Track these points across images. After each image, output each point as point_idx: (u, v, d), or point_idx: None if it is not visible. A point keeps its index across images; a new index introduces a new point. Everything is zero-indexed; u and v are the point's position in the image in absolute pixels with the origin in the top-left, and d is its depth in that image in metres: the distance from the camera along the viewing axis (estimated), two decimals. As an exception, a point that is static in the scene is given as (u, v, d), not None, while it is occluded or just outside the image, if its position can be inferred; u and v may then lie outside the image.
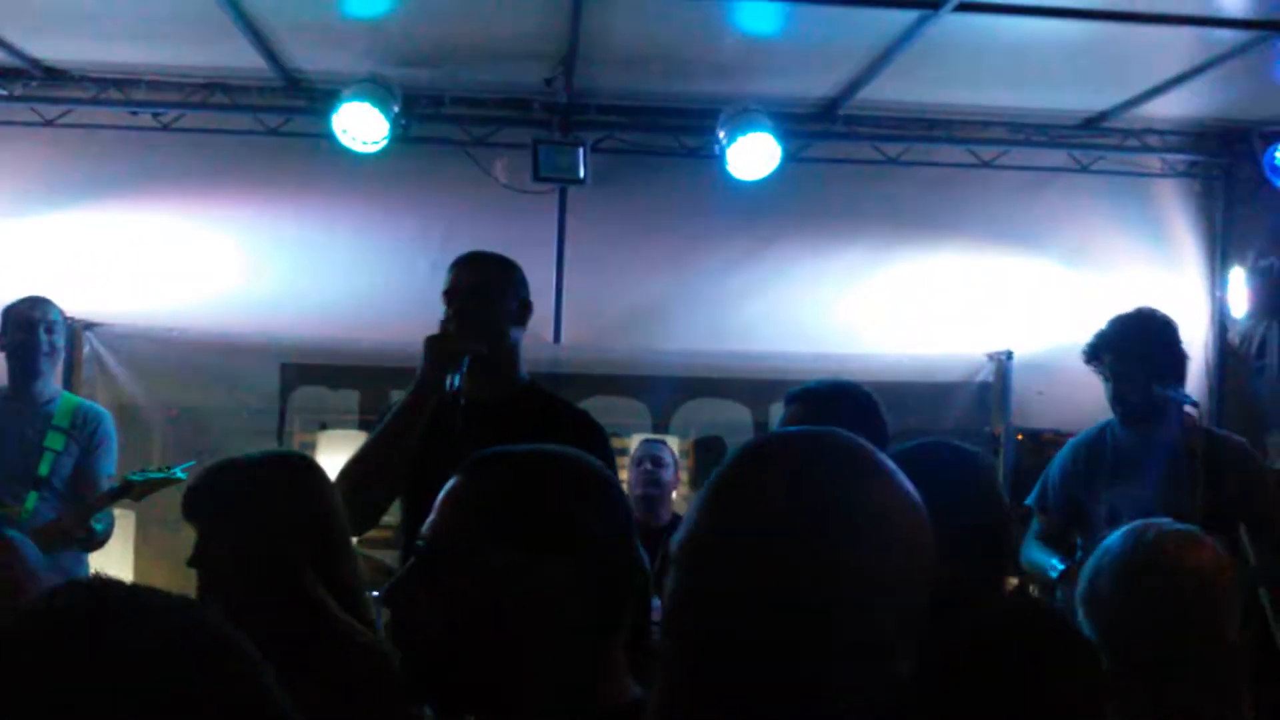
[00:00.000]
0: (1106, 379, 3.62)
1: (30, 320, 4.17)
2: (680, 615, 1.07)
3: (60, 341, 4.33)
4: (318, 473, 2.22)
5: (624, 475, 5.06)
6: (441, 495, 1.38)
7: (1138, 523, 2.15)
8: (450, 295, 2.85)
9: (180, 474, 4.02)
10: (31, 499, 4.06)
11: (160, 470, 4.02)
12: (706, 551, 1.07)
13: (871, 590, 1.02)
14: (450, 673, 1.31)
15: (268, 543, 2.04)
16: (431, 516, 1.36)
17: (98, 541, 4.14)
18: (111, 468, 4.28)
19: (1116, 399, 3.60)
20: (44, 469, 4.11)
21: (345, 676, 1.96)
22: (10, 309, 4.24)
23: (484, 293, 2.84)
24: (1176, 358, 3.59)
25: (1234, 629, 2.02)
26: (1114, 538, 2.11)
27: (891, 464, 1.11)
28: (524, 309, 2.92)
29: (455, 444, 2.56)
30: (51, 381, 4.30)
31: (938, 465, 1.92)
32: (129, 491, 4.01)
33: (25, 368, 4.19)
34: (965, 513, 1.82)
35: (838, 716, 1.01)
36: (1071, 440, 3.91)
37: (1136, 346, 3.55)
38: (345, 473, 2.69)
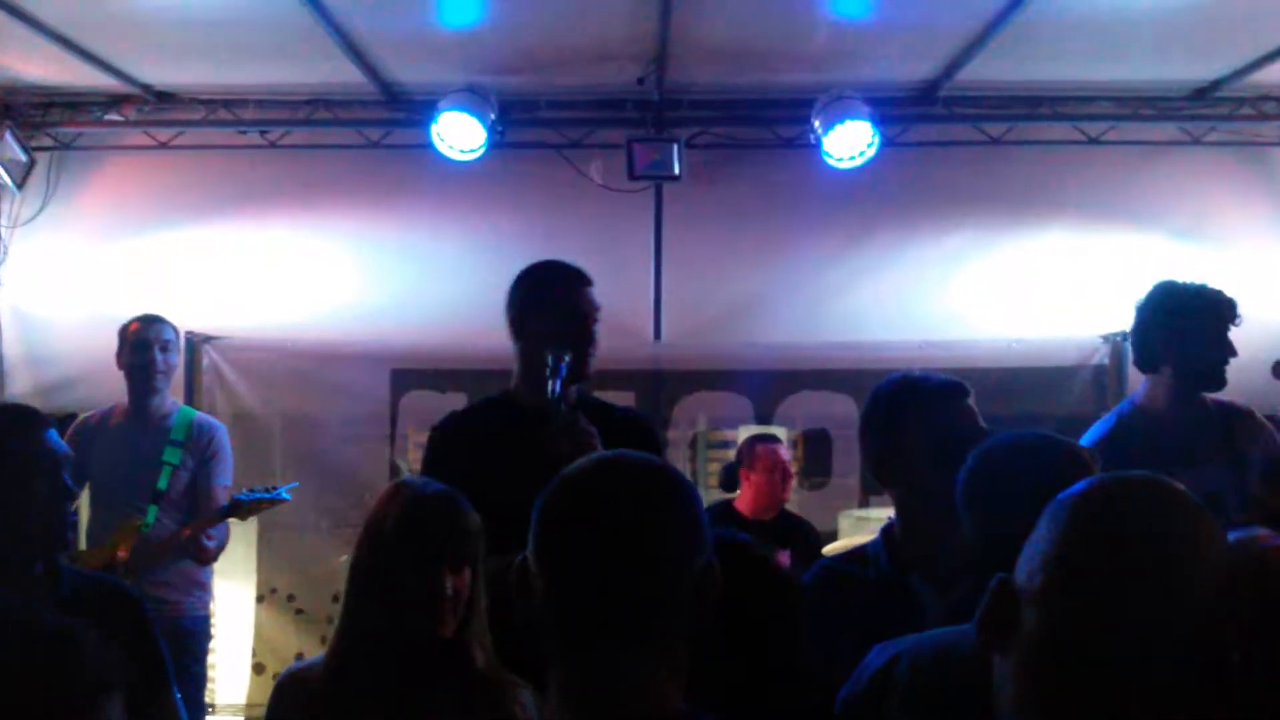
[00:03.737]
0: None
1: (145, 341, 4.32)
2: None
3: (175, 359, 4.47)
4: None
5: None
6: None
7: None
8: (583, 318, 2.81)
9: (285, 494, 4.14)
10: (152, 512, 4.21)
11: (266, 490, 4.15)
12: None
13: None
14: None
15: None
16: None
17: (211, 555, 4.28)
18: (227, 478, 4.41)
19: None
20: (162, 483, 4.24)
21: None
22: (126, 329, 4.39)
23: (596, 312, 2.85)
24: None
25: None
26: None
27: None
28: None
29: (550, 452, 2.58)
30: (168, 397, 4.44)
31: (1030, 459, 1.85)
32: (236, 511, 4.13)
33: (142, 386, 4.34)
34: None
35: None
36: (1095, 427, 3.71)
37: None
38: None
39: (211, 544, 4.23)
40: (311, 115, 5.55)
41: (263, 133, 5.63)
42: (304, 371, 5.49)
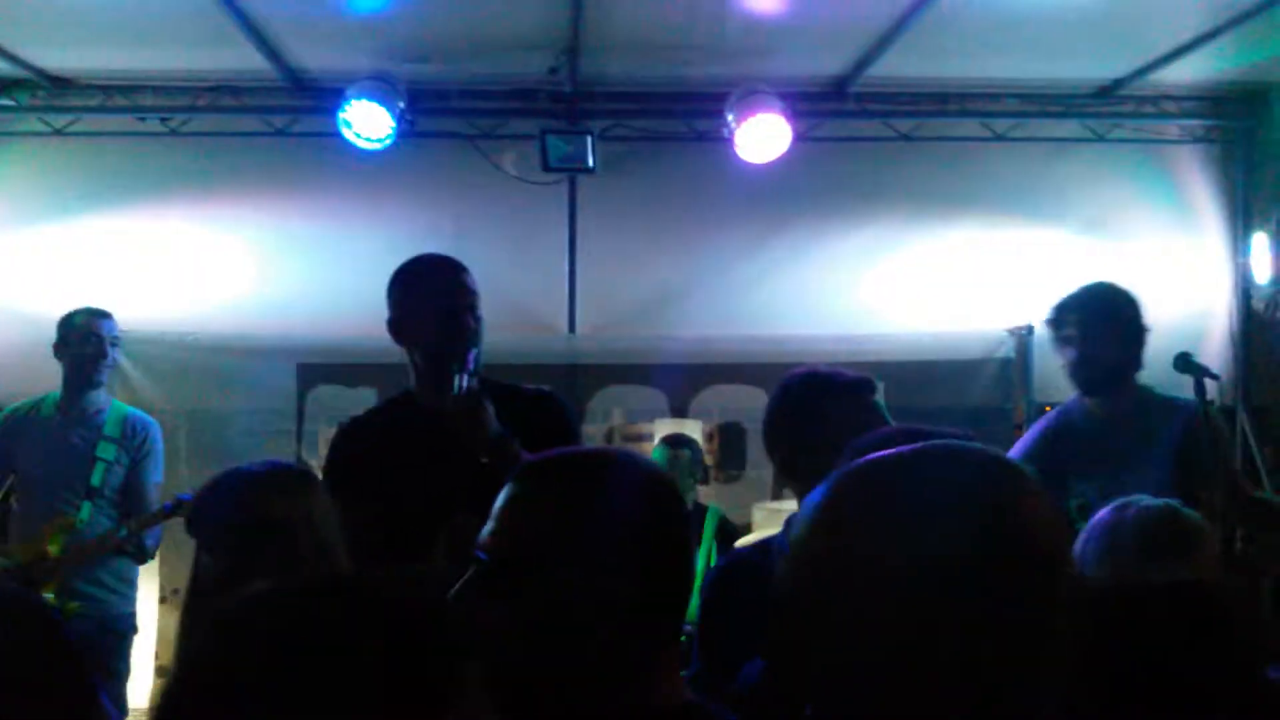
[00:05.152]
0: (1069, 343, 3.50)
1: (96, 334, 4.31)
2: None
3: (119, 356, 4.50)
4: (311, 480, 2.22)
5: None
6: (500, 505, 1.39)
7: (1117, 501, 2.17)
8: (459, 312, 2.72)
9: None
10: (86, 509, 4.20)
11: None
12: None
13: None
14: (521, 677, 1.32)
15: (263, 555, 2.03)
16: (491, 526, 1.38)
17: (151, 554, 4.31)
18: (159, 475, 4.42)
19: (1083, 363, 3.48)
20: (96, 479, 4.23)
21: None
22: (72, 321, 4.35)
23: (477, 302, 2.79)
24: (1144, 329, 3.49)
25: None
26: (1099, 519, 2.14)
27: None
28: None
29: (470, 450, 2.54)
30: (103, 392, 4.43)
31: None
32: (179, 510, 4.12)
33: (85, 379, 4.32)
34: None
35: None
36: (1032, 429, 3.74)
37: (1114, 309, 3.46)
38: None
39: (151, 542, 4.26)
40: (214, 102, 5.41)
41: (163, 119, 5.45)
42: (207, 366, 5.35)
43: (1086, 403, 3.53)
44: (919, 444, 1.13)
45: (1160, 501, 2.20)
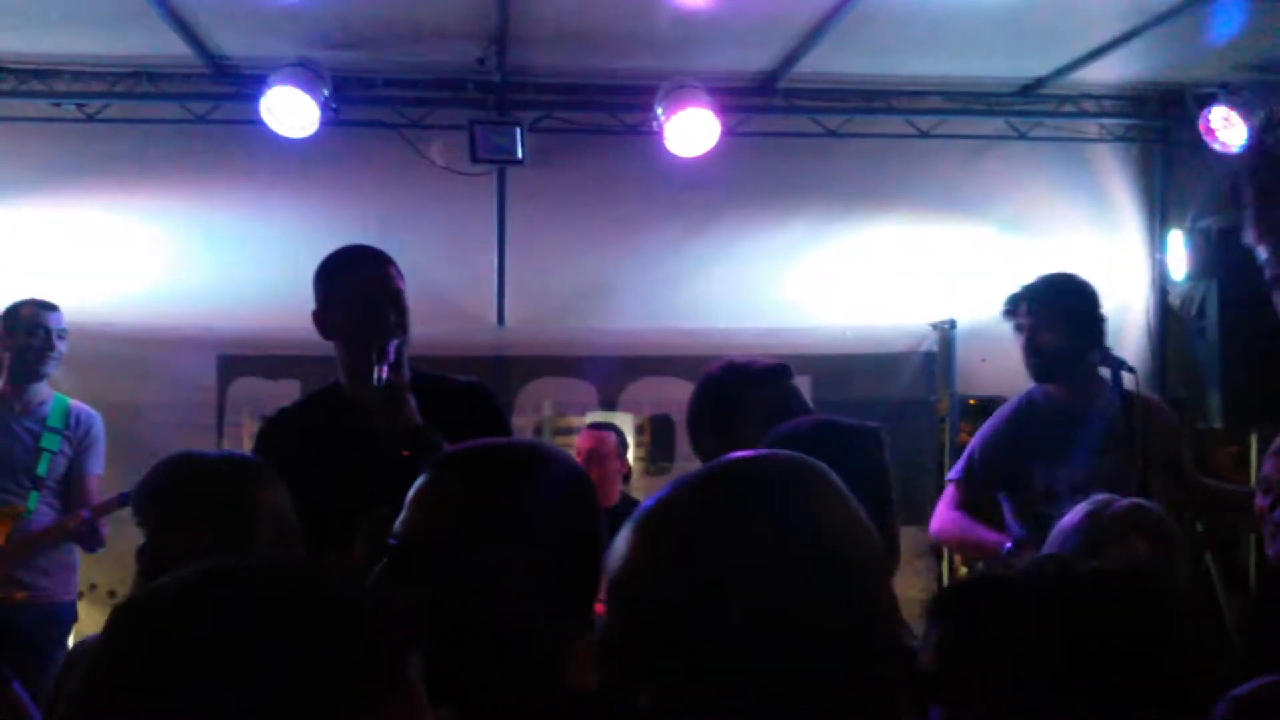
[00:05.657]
0: (1023, 329, 3.61)
1: (44, 325, 4.37)
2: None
3: (64, 348, 4.49)
4: (268, 470, 2.20)
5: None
6: (413, 493, 1.40)
7: (1098, 498, 2.21)
8: (383, 304, 2.71)
9: None
10: (33, 499, 4.27)
11: None
12: None
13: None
14: (432, 666, 1.32)
15: (216, 545, 1.99)
16: (404, 514, 1.40)
17: (103, 542, 4.37)
18: (99, 467, 4.50)
19: (1033, 349, 3.59)
20: (42, 469, 4.31)
21: None
22: (18, 312, 4.37)
23: (402, 294, 2.76)
24: (1099, 319, 3.59)
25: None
26: (1072, 517, 2.19)
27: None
28: None
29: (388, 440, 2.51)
30: (46, 384, 4.47)
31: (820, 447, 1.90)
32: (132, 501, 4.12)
33: (31, 371, 4.37)
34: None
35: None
36: (997, 413, 3.84)
37: (1062, 298, 3.57)
38: None
39: (104, 531, 4.34)
40: (132, 88, 5.28)
41: (79, 105, 5.32)
42: (125, 357, 5.22)
43: (1049, 389, 3.63)
44: (732, 455, 1.18)
45: (1129, 500, 2.26)
